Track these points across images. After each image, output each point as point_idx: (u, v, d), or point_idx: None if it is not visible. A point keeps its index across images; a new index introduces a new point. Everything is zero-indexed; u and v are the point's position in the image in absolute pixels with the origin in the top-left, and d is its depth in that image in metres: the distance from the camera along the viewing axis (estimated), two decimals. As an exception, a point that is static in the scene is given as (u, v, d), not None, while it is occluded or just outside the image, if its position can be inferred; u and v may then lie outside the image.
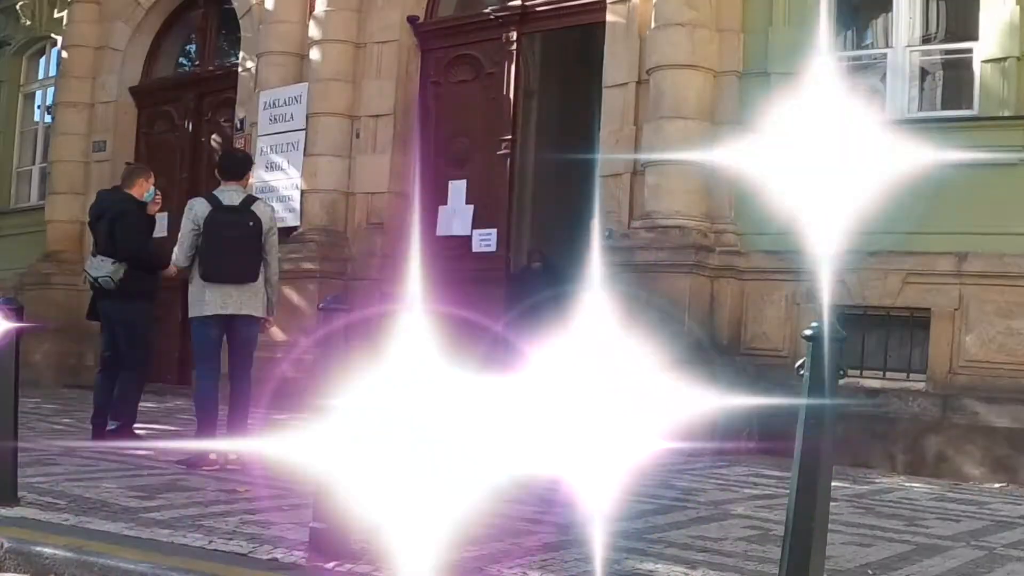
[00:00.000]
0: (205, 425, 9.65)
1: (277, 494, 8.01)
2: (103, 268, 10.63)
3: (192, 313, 9.77)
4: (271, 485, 8.41)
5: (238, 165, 10.10)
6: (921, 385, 11.34)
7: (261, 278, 9.74)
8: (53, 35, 21.26)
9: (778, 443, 11.68)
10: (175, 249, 9.83)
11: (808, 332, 4.90)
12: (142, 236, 10.96)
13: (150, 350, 11.53)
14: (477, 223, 14.79)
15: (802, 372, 4.88)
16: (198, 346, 9.89)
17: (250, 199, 9.93)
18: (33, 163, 22.11)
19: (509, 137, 14.79)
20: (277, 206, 15.59)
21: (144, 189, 11.14)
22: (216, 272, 9.58)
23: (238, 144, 17.02)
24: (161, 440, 10.86)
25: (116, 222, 10.74)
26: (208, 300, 9.59)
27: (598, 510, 5.27)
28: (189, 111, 18.79)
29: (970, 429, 10.96)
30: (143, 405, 11.60)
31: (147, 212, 11.09)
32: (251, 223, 9.65)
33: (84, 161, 19.66)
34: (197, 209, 9.66)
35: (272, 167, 16.06)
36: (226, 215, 9.64)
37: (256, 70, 16.68)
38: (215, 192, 9.83)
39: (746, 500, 8.70)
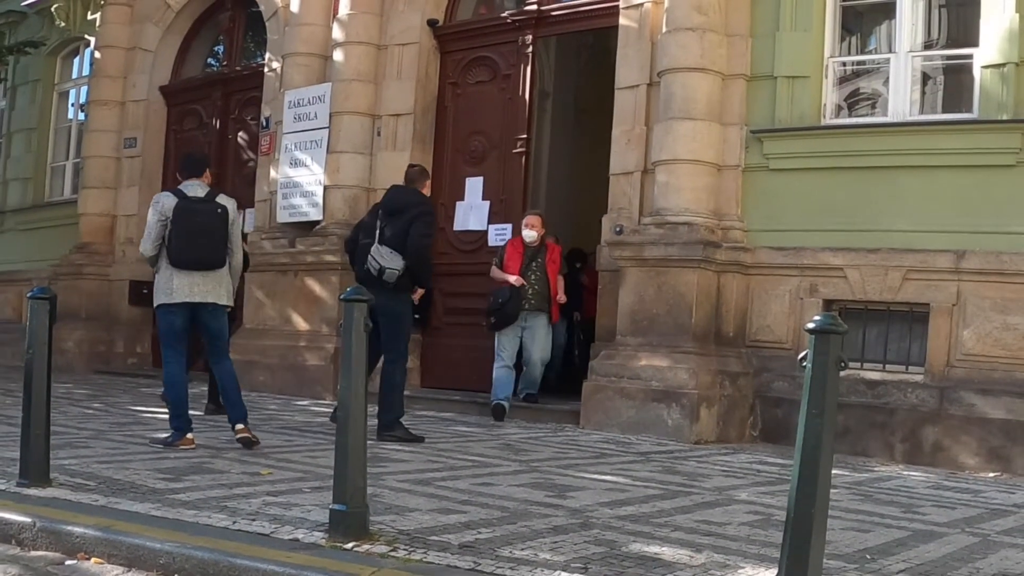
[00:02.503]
0: (173, 408, 9.55)
1: (299, 476, 8.04)
2: (395, 261, 10.55)
3: (158, 301, 9.66)
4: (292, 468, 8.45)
5: (196, 163, 10.06)
6: (919, 377, 11.33)
7: (227, 266, 9.71)
8: (86, 36, 21.28)
9: (780, 431, 11.78)
10: (142, 240, 9.78)
11: (811, 325, 4.90)
12: (431, 237, 11.37)
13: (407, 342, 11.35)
14: (493, 218, 14.80)
15: (804, 364, 4.88)
16: (164, 334, 9.78)
17: (214, 191, 9.89)
18: (67, 159, 22.16)
19: (524, 136, 14.77)
20: (301, 201, 15.68)
21: (428, 190, 11.60)
22: (185, 257, 9.51)
23: (263, 142, 17.07)
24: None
25: (417, 220, 10.74)
26: (176, 288, 9.53)
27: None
28: (217, 109, 18.83)
29: (966, 420, 10.95)
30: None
31: None
32: (219, 211, 9.64)
33: (115, 157, 19.73)
34: (164, 202, 9.61)
35: (296, 163, 16.08)
36: (194, 204, 9.63)
37: (281, 70, 16.69)
38: (179, 187, 9.78)
39: (749, 486, 8.70)
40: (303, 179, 15.97)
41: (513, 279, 13.15)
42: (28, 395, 7.31)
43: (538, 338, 13.40)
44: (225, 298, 9.73)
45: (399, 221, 10.74)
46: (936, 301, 11.26)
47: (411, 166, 11.96)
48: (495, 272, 13.42)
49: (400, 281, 10.63)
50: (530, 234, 13.31)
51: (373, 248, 10.66)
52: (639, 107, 13.14)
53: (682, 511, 7.30)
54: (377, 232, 10.78)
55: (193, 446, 9.34)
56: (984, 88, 11.22)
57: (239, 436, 9.47)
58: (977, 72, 11.34)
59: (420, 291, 11.11)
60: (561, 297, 13.69)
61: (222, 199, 9.78)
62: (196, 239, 9.52)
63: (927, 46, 12.18)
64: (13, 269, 21.87)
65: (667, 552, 5.87)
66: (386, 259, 10.55)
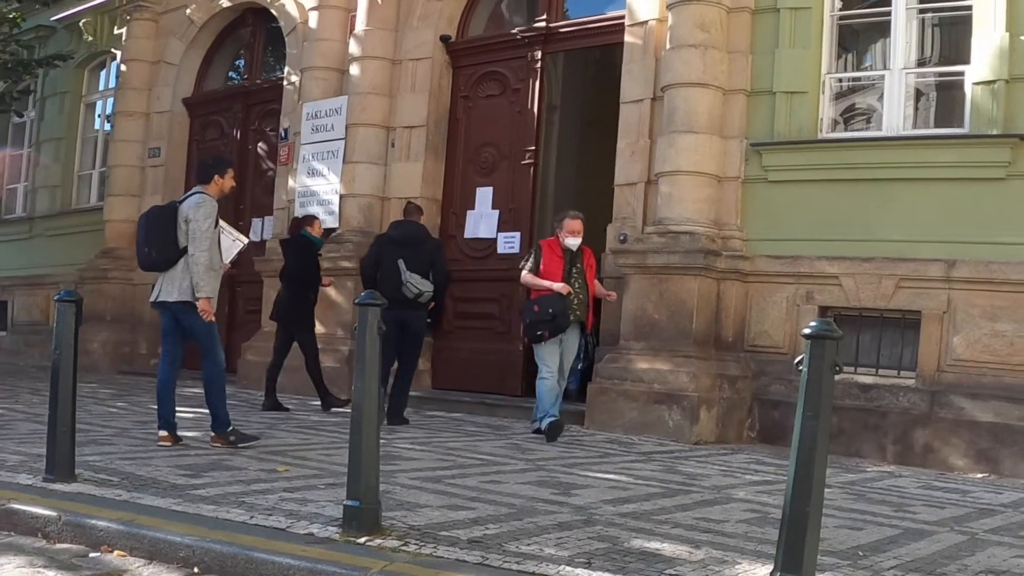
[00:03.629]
0: (159, 405, 9.54)
1: (314, 474, 8.05)
2: (426, 285, 12.13)
3: None
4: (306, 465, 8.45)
5: (202, 170, 9.92)
6: (911, 382, 11.31)
7: (181, 264, 9.30)
8: (113, 50, 21.35)
9: (777, 433, 11.77)
10: None
11: (807, 331, 4.90)
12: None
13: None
14: (502, 227, 14.80)
15: (801, 368, 4.88)
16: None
17: (192, 195, 9.56)
18: (93, 167, 22.18)
19: (533, 148, 14.78)
20: (318, 209, 15.67)
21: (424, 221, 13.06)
22: (140, 260, 9.72)
23: (282, 152, 17.10)
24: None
25: (437, 252, 12.55)
26: (152, 290, 9.68)
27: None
28: (237, 121, 18.85)
29: (956, 423, 10.94)
30: (191, 391, 11.68)
31: None
32: (170, 211, 9.51)
33: (140, 166, 19.78)
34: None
35: (313, 173, 16.10)
36: (154, 209, 9.87)
37: (300, 83, 16.73)
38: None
39: (747, 485, 8.69)
40: (320, 188, 15.99)
41: (560, 287, 11.51)
42: (55, 394, 7.34)
43: (573, 349, 12.04)
44: (176, 295, 9.32)
45: (420, 252, 12.27)
46: (927, 308, 11.25)
47: (410, 202, 13.44)
48: (532, 279, 11.74)
49: (427, 302, 12.29)
50: (575, 241, 11.72)
51: (405, 276, 12.04)
52: (643, 120, 13.14)
53: (682, 509, 7.30)
54: (402, 262, 12.09)
55: (168, 443, 9.31)
56: (975, 104, 11.21)
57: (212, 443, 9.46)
58: (968, 88, 11.33)
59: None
60: (612, 295, 12.47)
61: (187, 201, 9.47)
62: (145, 242, 9.53)
63: (920, 63, 12.17)
64: (41, 273, 21.90)
65: (667, 548, 5.87)
66: (421, 284, 12.08)
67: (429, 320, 12.96)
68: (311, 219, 14.05)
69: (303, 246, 13.62)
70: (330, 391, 13.45)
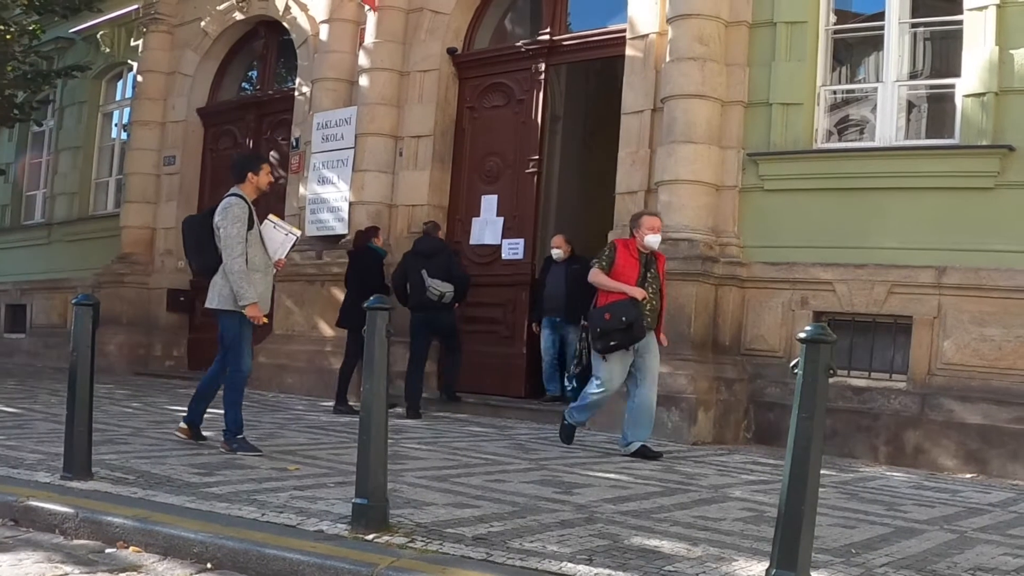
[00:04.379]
0: (193, 399, 9.48)
1: (324, 472, 8.05)
2: (446, 287, 13.20)
3: None
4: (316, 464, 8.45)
5: (234, 169, 9.59)
6: (902, 384, 11.32)
7: (220, 270, 9.05)
8: (130, 61, 21.37)
9: (772, 434, 11.76)
10: None
11: (802, 335, 4.91)
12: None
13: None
14: (507, 233, 14.81)
15: (796, 371, 4.88)
16: None
17: (225, 198, 9.29)
18: (110, 175, 22.20)
19: (536, 157, 14.79)
20: (328, 216, 15.71)
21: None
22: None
23: (293, 160, 17.13)
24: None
25: (453, 258, 13.73)
26: None
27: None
28: (250, 130, 18.87)
29: (945, 425, 10.94)
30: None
31: None
32: (204, 220, 9.28)
33: (155, 174, 19.79)
34: None
35: (324, 181, 16.11)
36: (193, 217, 9.89)
37: (311, 94, 16.74)
38: None
39: (743, 485, 8.68)
40: (330, 196, 16.01)
41: (636, 291, 10.13)
42: (72, 394, 7.34)
43: (653, 366, 10.40)
44: (214, 302, 9.11)
45: (438, 261, 13.33)
46: (918, 314, 11.26)
47: (426, 222, 14.26)
48: (604, 279, 10.30)
49: (450, 303, 13.30)
50: (655, 239, 10.40)
51: (428, 281, 13.14)
52: (644, 131, 13.15)
53: (680, 507, 7.30)
54: (424, 272, 13.18)
55: (183, 436, 9.36)
56: (965, 116, 11.21)
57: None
58: (959, 101, 11.34)
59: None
60: (663, 340, 10.67)
61: (222, 203, 9.23)
62: (186, 252, 9.53)
63: (912, 76, 12.19)
64: (60, 277, 21.92)
65: (666, 545, 5.87)
66: (441, 286, 13.14)
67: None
68: (375, 231, 14.39)
69: (370, 256, 13.94)
70: (348, 400, 13.40)
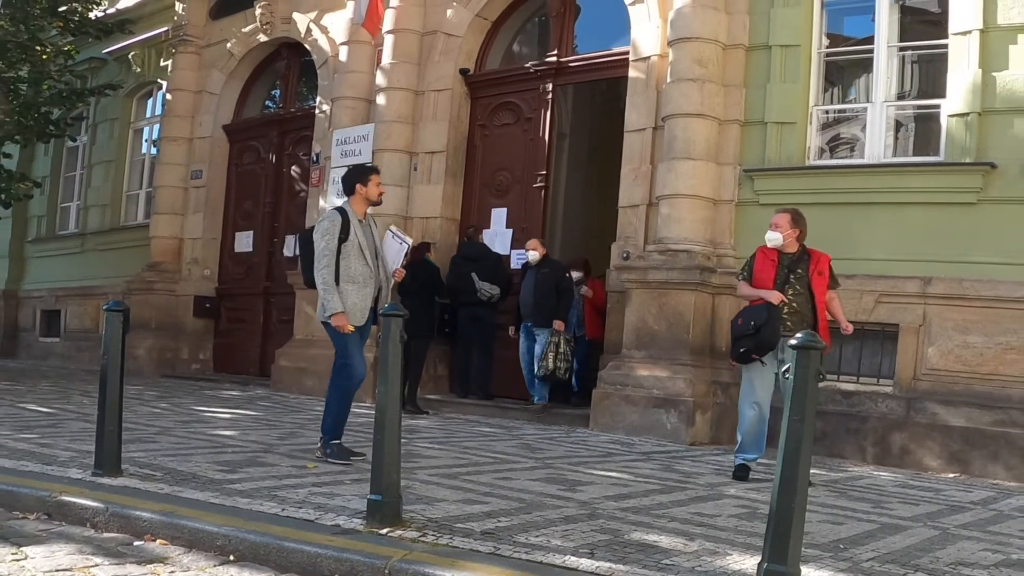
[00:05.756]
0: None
1: (340, 470, 8.06)
2: (494, 289, 14.14)
3: None
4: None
5: (344, 183, 9.31)
6: (889, 389, 11.31)
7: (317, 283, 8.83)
8: (159, 80, 21.42)
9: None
10: None
11: (793, 342, 4.92)
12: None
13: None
14: (515, 244, 14.83)
15: (787, 376, 4.89)
16: None
17: (330, 209, 9.09)
18: (140, 188, 22.22)
19: (544, 172, 14.81)
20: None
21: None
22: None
23: (313, 175, 17.15)
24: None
25: (498, 263, 14.46)
26: None
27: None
28: (273, 146, 18.90)
29: (930, 427, 10.93)
30: (230, 393, 11.68)
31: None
32: (309, 236, 9.07)
33: (183, 187, 19.80)
34: None
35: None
36: (302, 235, 9.38)
37: (330, 112, 16.78)
38: None
39: (737, 483, 8.69)
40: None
41: (772, 295, 8.95)
42: (103, 395, 7.36)
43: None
44: (318, 313, 8.96)
45: (486, 265, 14.27)
46: (905, 322, 11.26)
47: (468, 227, 15.05)
48: (744, 288, 9.36)
49: (493, 304, 14.24)
50: (773, 236, 9.12)
51: (478, 284, 14.07)
52: (645, 148, 13.17)
53: (678, 504, 7.31)
54: (474, 274, 14.10)
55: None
56: (950, 134, 11.22)
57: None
58: (944, 120, 11.34)
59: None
60: (848, 327, 9.34)
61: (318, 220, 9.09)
62: (301, 264, 9.20)
63: (900, 97, 12.18)
64: (92, 284, 21.95)
65: (664, 540, 5.88)
66: (492, 289, 14.10)
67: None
68: (428, 246, 14.65)
69: (429, 268, 14.24)
70: (418, 402, 13.78)
